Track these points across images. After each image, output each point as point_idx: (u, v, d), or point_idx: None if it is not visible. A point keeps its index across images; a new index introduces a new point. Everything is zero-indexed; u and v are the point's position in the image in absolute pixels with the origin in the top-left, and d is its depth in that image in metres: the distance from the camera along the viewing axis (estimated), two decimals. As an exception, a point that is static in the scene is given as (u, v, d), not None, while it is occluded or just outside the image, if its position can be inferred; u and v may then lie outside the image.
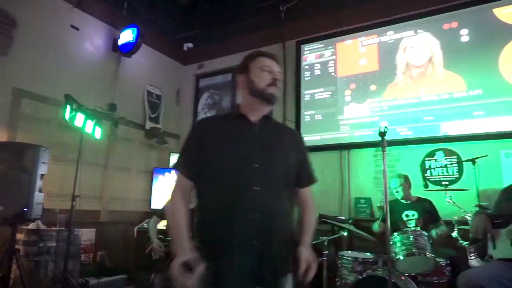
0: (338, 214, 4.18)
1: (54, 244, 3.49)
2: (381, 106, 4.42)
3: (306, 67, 5.04)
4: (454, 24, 4.15)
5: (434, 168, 4.05)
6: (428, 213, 3.38)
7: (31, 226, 3.48)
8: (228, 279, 1.31)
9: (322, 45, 4.97)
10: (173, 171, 5.22)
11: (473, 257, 2.69)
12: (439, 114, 4.07)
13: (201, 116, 6.11)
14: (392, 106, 4.35)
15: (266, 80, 1.46)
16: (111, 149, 4.84)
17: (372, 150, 4.40)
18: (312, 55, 5.03)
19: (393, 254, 2.71)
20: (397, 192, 3.49)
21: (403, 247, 2.73)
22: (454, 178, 3.92)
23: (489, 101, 3.84)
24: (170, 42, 5.94)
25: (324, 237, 3.10)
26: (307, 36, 5.12)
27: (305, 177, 1.55)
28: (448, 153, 4.00)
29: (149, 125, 5.39)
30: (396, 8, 4.51)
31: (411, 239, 2.74)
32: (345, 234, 3.48)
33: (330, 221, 3.41)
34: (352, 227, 3.32)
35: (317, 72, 4.95)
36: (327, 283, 3.09)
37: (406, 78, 4.33)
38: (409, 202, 3.48)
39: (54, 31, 4.26)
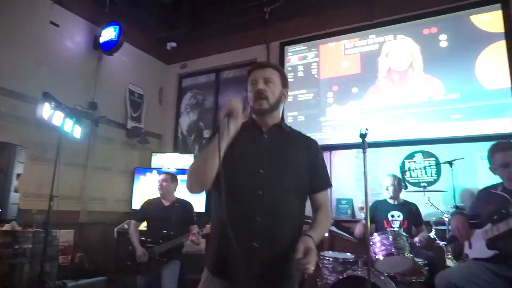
0: (320, 214, 4.21)
1: (30, 245, 3.39)
2: (363, 108, 4.49)
3: (290, 68, 5.06)
4: (434, 30, 4.25)
5: (413, 170, 4.14)
6: (413, 216, 3.49)
7: (6, 227, 3.37)
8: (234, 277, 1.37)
9: (306, 47, 5.01)
10: (155, 171, 5.14)
11: (450, 257, 2.76)
12: (418, 117, 4.16)
13: (183, 116, 6.07)
14: (373, 108, 4.43)
15: (253, 95, 1.51)
16: (91, 148, 4.74)
17: (353, 152, 4.47)
18: (296, 56, 5.07)
19: (373, 254, 2.76)
20: (387, 190, 3.56)
21: (383, 247, 2.78)
22: (432, 180, 4.02)
23: (466, 105, 3.95)
24: (153, 41, 5.86)
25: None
26: (291, 37, 5.15)
27: (318, 183, 1.55)
28: (427, 155, 4.10)
29: (130, 124, 5.31)
30: (378, 13, 4.59)
31: (390, 239, 2.79)
32: (326, 235, 3.52)
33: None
34: (333, 228, 3.36)
35: (300, 74, 4.99)
36: (308, 283, 3.12)
37: (387, 82, 4.41)
38: (396, 203, 3.57)
39: (32, 27, 4.14)
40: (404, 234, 2.86)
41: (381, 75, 4.45)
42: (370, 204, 3.26)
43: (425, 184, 3.82)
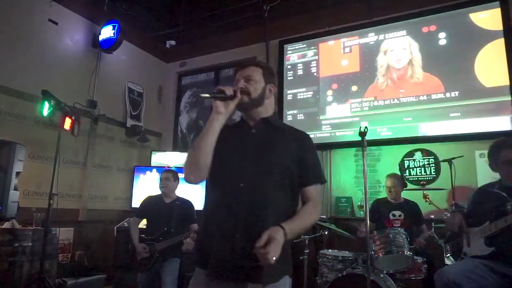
0: (319, 213, 4.22)
1: (30, 243, 3.39)
2: (362, 106, 4.49)
3: (289, 66, 5.06)
4: (433, 28, 4.25)
5: (412, 168, 4.15)
6: (413, 215, 3.50)
7: (6, 225, 3.37)
8: (215, 268, 1.39)
9: (305, 45, 5.01)
10: (154, 170, 5.12)
11: (448, 255, 2.77)
12: (417, 115, 4.16)
13: (183, 114, 6.07)
14: (372, 106, 4.43)
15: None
16: (90, 146, 4.75)
17: (353, 150, 4.47)
18: (295, 55, 5.06)
19: (372, 252, 2.77)
20: (390, 192, 3.56)
21: (382, 246, 2.79)
22: (432, 178, 4.03)
23: (465, 103, 3.96)
24: (152, 39, 5.86)
25: (305, 236, 3.14)
26: (290, 36, 5.15)
27: (308, 177, 1.53)
28: (426, 153, 4.11)
29: (130, 122, 5.31)
30: (377, 11, 4.59)
31: (389, 237, 2.80)
32: (326, 233, 3.52)
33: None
34: (332, 226, 3.37)
35: (300, 72, 4.98)
36: (307, 281, 3.13)
37: (386, 80, 4.41)
38: (397, 202, 3.57)
39: (31, 25, 4.13)
40: (403, 232, 2.87)
41: (380, 73, 4.45)
42: (369, 202, 3.27)
43: (425, 182, 3.83)
